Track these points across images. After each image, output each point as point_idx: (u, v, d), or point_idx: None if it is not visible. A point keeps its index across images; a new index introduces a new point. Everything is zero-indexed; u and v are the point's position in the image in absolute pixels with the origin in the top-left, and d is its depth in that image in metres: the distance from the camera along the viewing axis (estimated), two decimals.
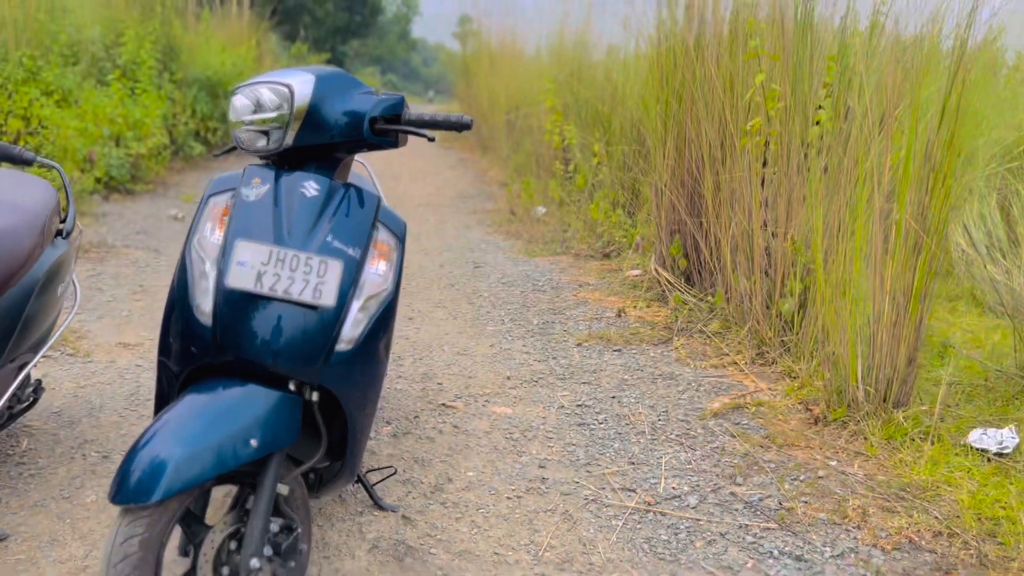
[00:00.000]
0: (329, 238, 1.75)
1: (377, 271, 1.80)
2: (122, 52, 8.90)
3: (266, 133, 1.85)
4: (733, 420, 3.07)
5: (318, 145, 1.85)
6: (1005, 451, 2.76)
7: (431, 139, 1.93)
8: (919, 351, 2.95)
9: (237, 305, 1.68)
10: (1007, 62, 7.52)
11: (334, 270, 1.71)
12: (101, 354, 3.57)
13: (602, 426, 3.02)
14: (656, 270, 4.49)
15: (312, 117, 1.81)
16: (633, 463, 2.75)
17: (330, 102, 1.83)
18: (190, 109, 10.01)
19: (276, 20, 17.57)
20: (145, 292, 4.54)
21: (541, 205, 7.14)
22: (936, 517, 2.39)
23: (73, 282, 2.74)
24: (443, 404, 3.18)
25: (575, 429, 2.99)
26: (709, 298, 4.14)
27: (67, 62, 8.31)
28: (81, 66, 8.46)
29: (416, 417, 3.04)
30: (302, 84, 1.80)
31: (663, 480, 2.64)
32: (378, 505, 2.38)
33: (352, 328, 1.75)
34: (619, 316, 4.23)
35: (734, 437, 2.93)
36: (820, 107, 3.55)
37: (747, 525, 2.38)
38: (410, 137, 2.00)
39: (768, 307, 3.64)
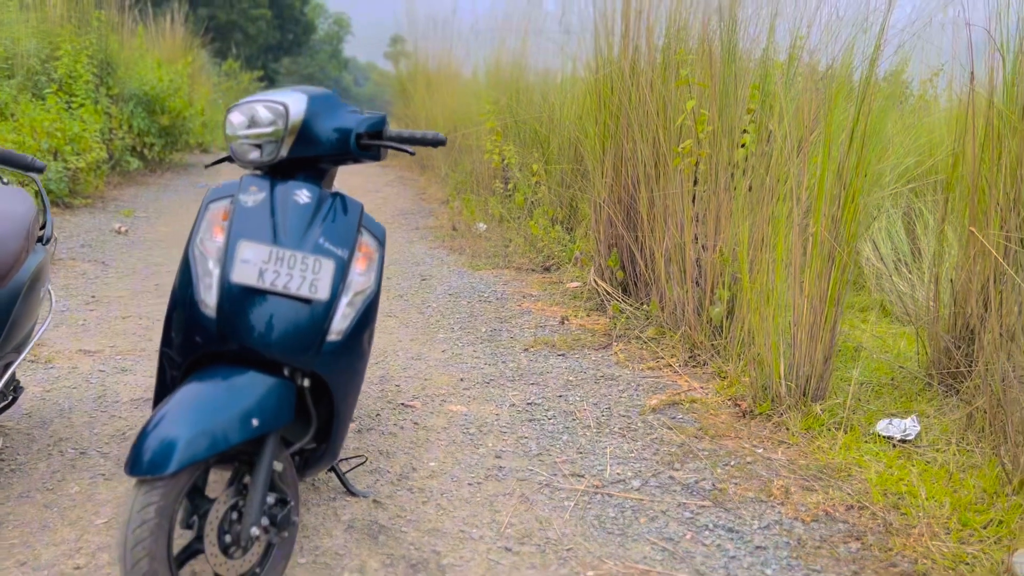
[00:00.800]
0: (321, 240, 1.96)
1: (361, 271, 2.02)
2: (58, 66, 8.86)
3: (259, 146, 2.06)
4: (669, 415, 3.35)
5: (307, 157, 2.06)
6: (908, 438, 3.10)
7: (412, 153, 2.16)
8: (834, 350, 3.29)
9: (239, 299, 1.88)
10: (913, 91, 8.11)
11: (327, 268, 1.93)
12: (62, 360, 3.66)
13: (551, 421, 3.27)
14: (595, 281, 4.78)
15: (305, 132, 2.02)
16: (581, 453, 3.00)
17: (320, 119, 2.05)
18: (127, 124, 10.00)
19: (210, 37, 17.48)
20: (98, 302, 4.62)
21: (482, 222, 7.40)
22: (848, 493, 2.70)
23: (48, 288, 2.87)
24: (402, 403, 3.38)
25: (526, 424, 3.23)
26: (644, 307, 4.44)
27: (2, 75, 8.25)
28: (16, 79, 8.41)
29: (378, 415, 3.24)
30: (296, 102, 2.02)
31: (608, 467, 2.89)
32: (350, 491, 2.57)
33: (341, 321, 1.97)
34: (562, 323, 4.50)
35: (671, 429, 3.21)
36: (745, 131, 3.89)
37: (685, 503, 2.65)
38: None
39: (699, 314, 3.95)
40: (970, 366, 3.54)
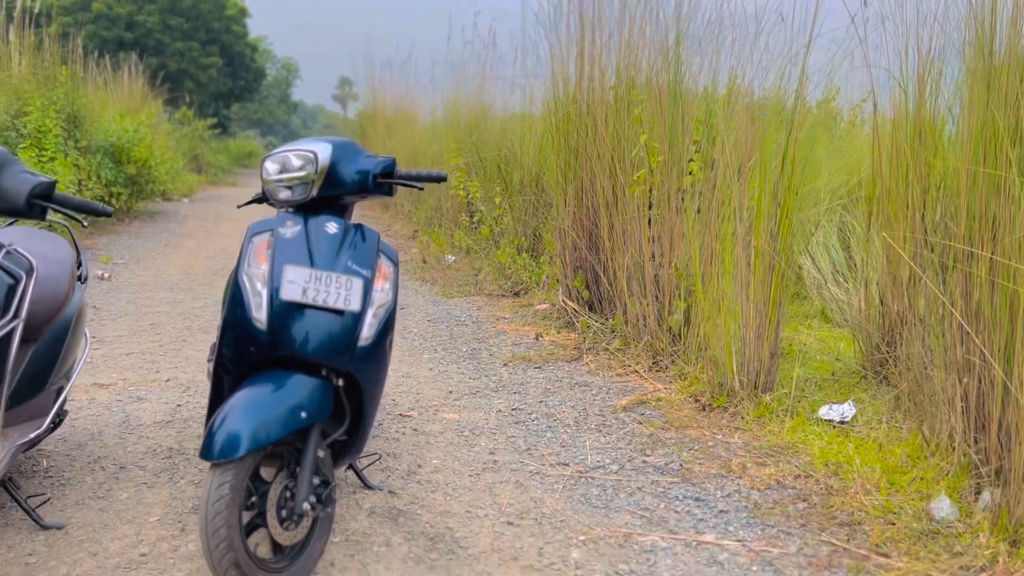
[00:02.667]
0: (349, 263, 2.36)
1: (382, 287, 2.42)
2: (27, 121, 9.11)
3: (290, 187, 2.46)
4: (639, 412, 3.78)
5: (332, 195, 2.47)
6: (845, 419, 3.57)
7: (421, 188, 2.58)
8: (778, 348, 3.76)
9: (287, 313, 2.27)
10: (843, 118, 8.77)
11: (357, 285, 2.33)
12: (79, 393, 3.97)
13: (535, 423, 3.67)
14: (564, 301, 5.22)
15: (331, 175, 2.43)
16: (564, 446, 3.41)
17: (343, 163, 2.46)
18: (95, 175, 10.25)
19: (166, 87, 17.78)
20: (100, 342, 4.92)
21: (450, 254, 7.82)
22: (795, 466, 3.14)
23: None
24: (400, 414, 3.76)
25: (513, 426, 3.63)
26: (609, 321, 4.88)
27: None
28: None
29: (380, 424, 3.62)
30: (323, 150, 2.43)
31: (589, 456, 3.31)
32: (367, 485, 2.94)
33: (368, 329, 2.36)
34: (537, 340, 4.92)
35: (640, 423, 3.64)
36: (691, 159, 4.38)
37: (657, 481, 3.07)
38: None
39: (660, 324, 4.41)
40: (896, 356, 4.04)
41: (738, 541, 2.64)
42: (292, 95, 66.91)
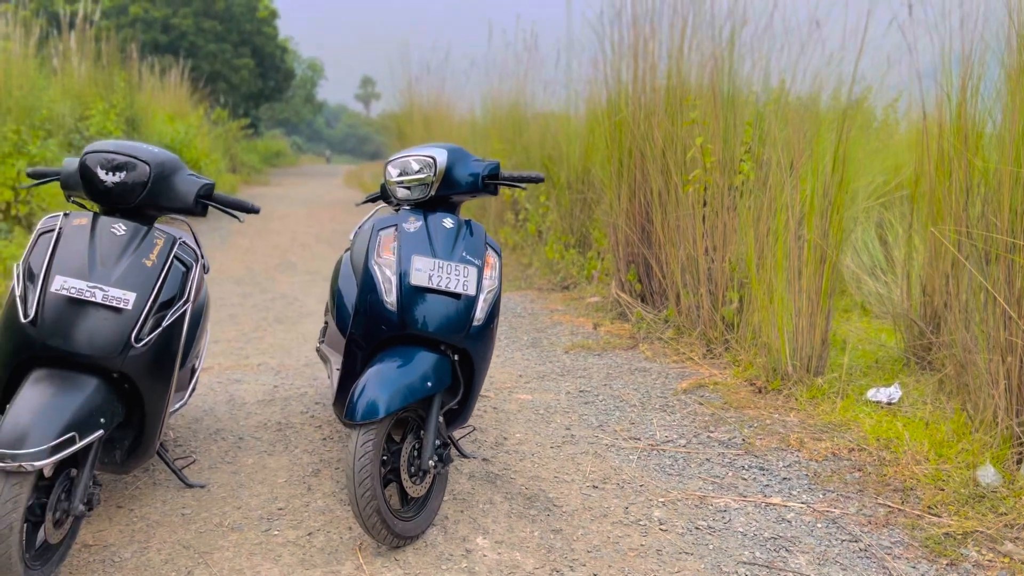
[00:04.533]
0: (464, 253, 2.70)
1: (490, 275, 2.75)
2: (90, 124, 9.56)
3: (409, 188, 2.80)
4: (698, 394, 4.10)
5: (446, 195, 2.81)
6: (893, 401, 3.87)
7: (524, 188, 2.92)
8: (828, 333, 4.05)
9: (414, 297, 2.60)
10: (876, 117, 9.02)
11: (472, 272, 2.66)
12: None
13: (603, 403, 4.00)
14: (617, 294, 5.53)
15: (447, 177, 2.77)
16: (633, 423, 3.73)
17: (457, 166, 2.79)
18: None
19: (209, 90, 18.25)
20: None
21: None
22: (849, 440, 3.45)
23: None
24: (480, 396, 4.09)
25: (584, 406, 3.96)
26: (662, 312, 5.20)
27: (44, 135, 8.94)
28: (56, 139, 9.10)
29: None
30: (440, 155, 2.77)
31: (657, 432, 3.62)
32: (462, 453, 3.28)
33: (480, 311, 2.70)
34: (595, 329, 5.25)
35: (701, 404, 3.96)
36: (742, 160, 4.68)
37: (723, 453, 3.39)
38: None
39: (713, 314, 4.71)
40: (939, 343, 4.33)
41: (802, 503, 2.95)
42: (316, 95, 67.45)
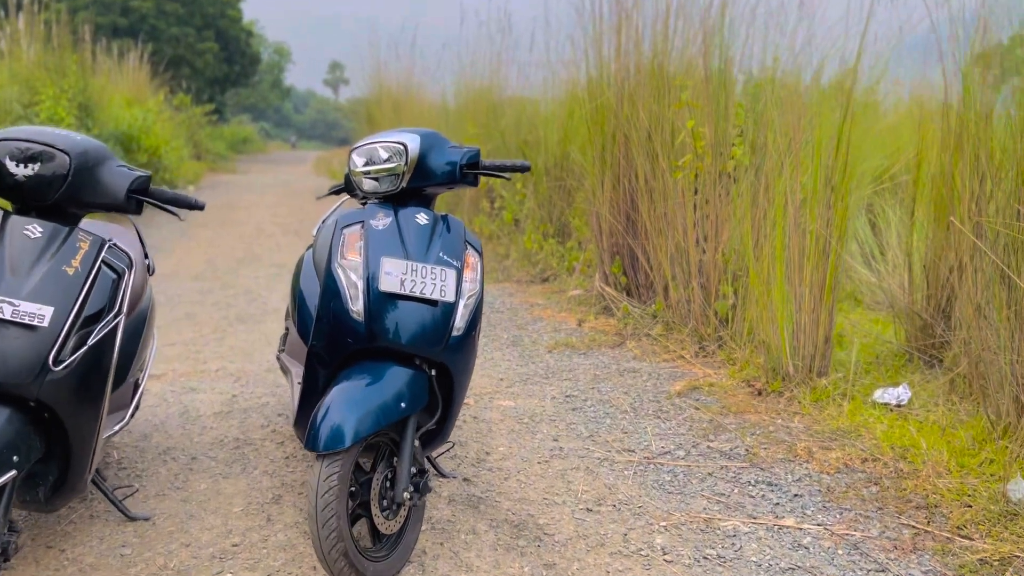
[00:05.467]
0: (441, 254, 2.36)
1: (470, 278, 2.42)
2: (40, 110, 9.06)
3: (376, 179, 2.46)
4: (693, 397, 3.80)
5: (419, 186, 2.47)
6: (902, 403, 3.60)
7: (508, 178, 2.58)
8: (833, 330, 3.78)
9: (384, 305, 2.27)
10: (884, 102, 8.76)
11: (451, 276, 2.33)
12: None
13: (592, 409, 3.69)
14: (601, 287, 5.23)
15: (420, 166, 2.43)
16: (625, 433, 3.43)
17: (432, 154, 2.45)
18: None
19: (169, 75, 17.66)
20: None
21: None
22: (861, 449, 3.17)
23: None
24: None
25: (571, 413, 3.65)
26: (649, 307, 4.90)
27: None
28: (3, 126, 8.60)
29: None
30: (412, 141, 2.42)
31: (653, 442, 3.33)
32: (441, 473, 2.96)
33: (460, 319, 2.37)
34: (579, 326, 4.94)
35: (697, 409, 3.66)
36: (733, 144, 4.38)
37: (726, 466, 3.10)
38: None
39: (705, 309, 4.42)
40: (946, 339, 4.07)
41: (819, 525, 2.67)
42: (284, 80, 66.27)
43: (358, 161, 2.47)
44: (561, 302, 5.60)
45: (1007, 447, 2.98)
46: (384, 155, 2.44)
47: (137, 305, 2.77)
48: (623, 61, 4.95)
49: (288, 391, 3.79)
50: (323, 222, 3.43)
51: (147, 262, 3.05)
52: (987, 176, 3.44)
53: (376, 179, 2.46)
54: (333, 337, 2.32)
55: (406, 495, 2.23)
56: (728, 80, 4.38)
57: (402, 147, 2.41)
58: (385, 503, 2.24)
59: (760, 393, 3.77)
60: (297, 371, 2.94)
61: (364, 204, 2.63)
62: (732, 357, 4.19)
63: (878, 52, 4.09)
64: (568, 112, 6.72)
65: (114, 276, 2.18)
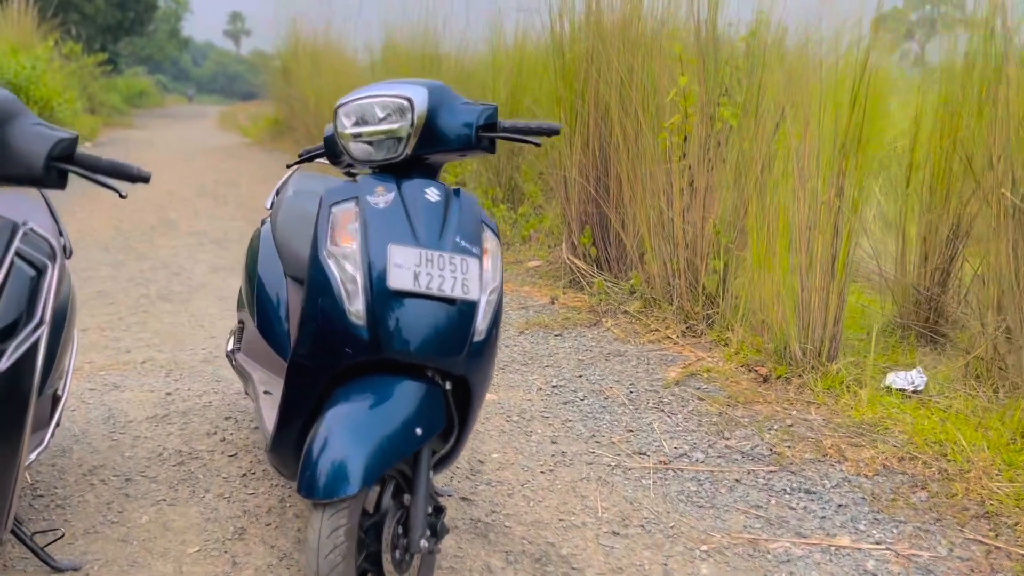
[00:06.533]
0: (457, 238, 1.88)
1: (489, 267, 1.95)
2: None
3: (370, 143, 1.95)
4: (693, 386, 3.44)
5: (426, 154, 1.97)
6: (919, 389, 3.32)
7: (538, 143, 2.09)
8: (843, 311, 3.46)
9: (391, 305, 1.78)
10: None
11: (472, 266, 1.86)
12: None
13: (585, 403, 3.29)
14: (569, 259, 4.80)
15: (429, 128, 1.93)
16: (631, 431, 3.04)
17: (442, 113, 1.95)
18: None
19: (59, 20, 16.21)
20: None
21: None
22: (894, 446, 2.86)
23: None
24: None
25: (563, 407, 3.24)
26: (625, 282, 4.51)
27: None
28: None
29: None
30: (419, 96, 1.91)
31: (664, 442, 2.95)
32: (436, 493, 2.50)
33: (483, 319, 1.90)
34: (552, 303, 4.51)
35: (702, 400, 3.30)
36: (719, 104, 3.98)
37: (754, 470, 2.74)
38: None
39: (694, 286, 4.05)
40: (945, 314, 3.83)
41: (877, 543, 2.34)
42: (181, 30, 63.00)
43: (346, 121, 1.95)
44: (521, 274, 5.15)
45: None
46: (381, 113, 1.93)
47: (56, 305, 2.20)
48: (596, 8, 4.48)
49: (236, 383, 3.26)
50: (277, 193, 2.90)
51: (63, 241, 2.47)
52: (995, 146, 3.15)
53: (370, 143, 1.95)
54: (324, 346, 1.83)
55: (424, 543, 1.77)
56: (718, 35, 3.96)
57: (406, 103, 1.90)
58: (398, 555, 1.78)
59: (766, 380, 3.43)
60: (260, 377, 2.43)
61: (353, 177, 2.13)
62: (723, 337, 3.84)
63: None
64: (517, 64, 6.22)
65: (32, 273, 1.63)
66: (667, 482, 2.67)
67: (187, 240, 6.31)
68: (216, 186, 9.06)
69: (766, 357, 3.53)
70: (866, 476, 2.70)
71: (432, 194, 1.92)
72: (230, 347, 2.73)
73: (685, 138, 3.97)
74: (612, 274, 4.65)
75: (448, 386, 1.93)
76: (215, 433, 2.91)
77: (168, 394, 3.26)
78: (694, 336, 3.98)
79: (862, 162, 3.35)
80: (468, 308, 1.86)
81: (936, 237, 3.84)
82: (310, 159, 2.28)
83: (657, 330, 4.06)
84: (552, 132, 2.07)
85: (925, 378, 3.36)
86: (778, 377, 3.42)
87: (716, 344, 3.85)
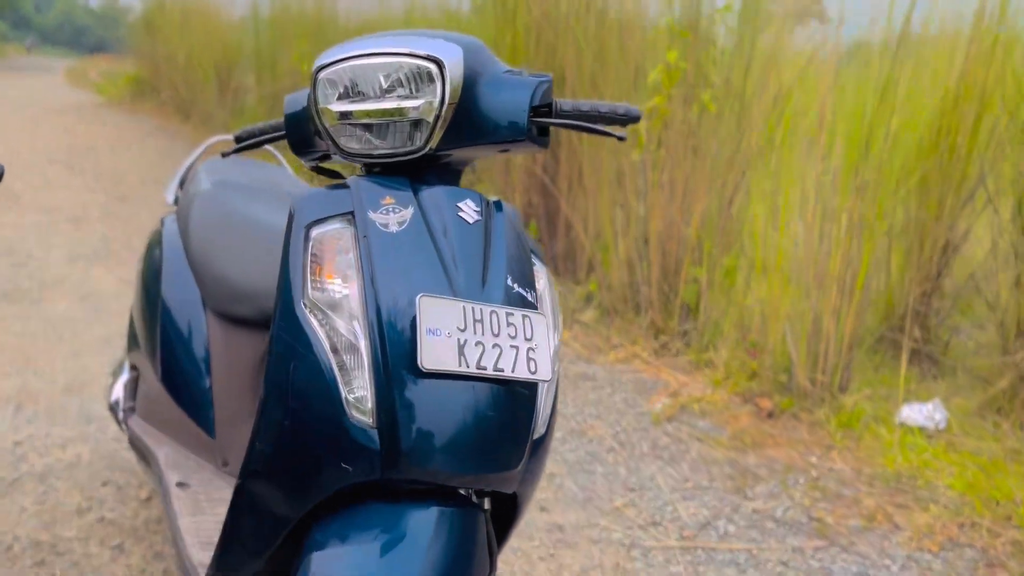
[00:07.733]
0: (509, 281, 1.20)
1: (551, 324, 1.29)
2: None
3: (369, 129, 1.24)
4: (687, 423, 2.89)
5: (450, 150, 1.27)
6: (940, 427, 2.89)
7: (622, 138, 1.42)
8: (862, 333, 2.99)
9: (419, 392, 1.09)
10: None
11: (540, 327, 1.19)
12: None
13: (568, 448, 2.68)
14: None
15: (463, 108, 1.23)
16: (631, 489, 2.45)
17: (481, 86, 1.25)
18: None
19: None
20: None
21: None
22: (946, 507, 2.41)
23: None
24: None
25: None
26: (579, 287, 3.92)
27: None
28: None
29: None
30: (452, 57, 1.21)
31: (677, 505, 2.38)
32: None
33: (545, 406, 1.25)
34: None
35: (702, 442, 2.76)
36: (693, 84, 3.43)
37: (798, 547, 2.21)
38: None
39: (669, 297, 3.50)
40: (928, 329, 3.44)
41: None
42: None
43: (330, 91, 1.22)
44: None
45: None
46: (385, 82, 1.22)
47: None
48: None
49: (110, 422, 2.47)
50: (182, 180, 2.12)
51: None
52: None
53: (369, 128, 1.24)
54: (302, 459, 1.12)
55: None
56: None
57: (433, 67, 1.20)
58: None
59: (770, 415, 2.93)
60: (168, 457, 1.68)
61: (321, 171, 1.41)
62: (704, 359, 3.32)
63: None
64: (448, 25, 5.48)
65: None
66: (699, 567, 2.10)
67: (36, 217, 5.26)
68: (70, 152, 7.85)
69: (764, 385, 3.02)
70: (930, 551, 2.22)
71: (469, 210, 1.22)
72: (116, 398, 1.95)
73: (665, 125, 3.39)
74: (558, 276, 4.05)
75: (487, 505, 1.26)
76: (89, 509, 2.12)
77: (17, 444, 2.43)
78: (669, 355, 3.43)
79: (886, 165, 2.87)
80: (527, 391, 1.20)
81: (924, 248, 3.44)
82: (256, 145, 1.52)
83: (622, 346, 3.50)
84: (633, 119, 1.40)
85: (946, 413, 2.93)
86: (782, 410, 2.92)
87: (696, 366, 3.32)
